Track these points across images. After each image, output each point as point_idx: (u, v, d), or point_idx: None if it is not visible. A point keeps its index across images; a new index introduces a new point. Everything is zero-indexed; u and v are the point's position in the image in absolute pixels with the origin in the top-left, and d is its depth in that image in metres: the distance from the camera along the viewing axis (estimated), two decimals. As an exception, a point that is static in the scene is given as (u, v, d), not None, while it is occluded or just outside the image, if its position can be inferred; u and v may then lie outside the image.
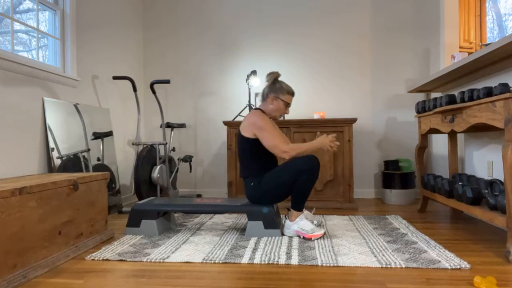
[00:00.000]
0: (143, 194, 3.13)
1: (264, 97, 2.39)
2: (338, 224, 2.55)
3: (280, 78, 3.96)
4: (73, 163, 2.70)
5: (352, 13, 3.86)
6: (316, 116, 3.38)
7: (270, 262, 1.78)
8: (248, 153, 2.32)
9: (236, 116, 3.63)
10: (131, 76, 3.87)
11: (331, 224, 2.57)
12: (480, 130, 2.48)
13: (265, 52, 3.97)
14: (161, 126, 4.11)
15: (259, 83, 3.77)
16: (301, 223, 2.21)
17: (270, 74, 2.39)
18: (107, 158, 3.18)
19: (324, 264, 1.74)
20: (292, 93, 2.38)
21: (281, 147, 2.19)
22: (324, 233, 2.21)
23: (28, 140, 2.40)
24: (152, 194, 3.28)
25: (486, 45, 2.71)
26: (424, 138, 2.95)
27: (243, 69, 4.01)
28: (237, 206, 2.30)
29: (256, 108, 2.41)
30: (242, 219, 2.77)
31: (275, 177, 2.23)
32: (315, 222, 2.44)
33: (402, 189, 3.40)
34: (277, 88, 2.35)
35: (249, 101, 3.62)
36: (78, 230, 1.99)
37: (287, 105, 2.38)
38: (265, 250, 1.97)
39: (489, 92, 1.90)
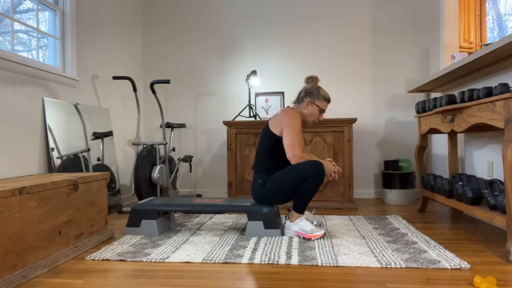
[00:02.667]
0: (143, 194, 3.13)
1: (300, 100, 2.36)
2: (338, 224, 2.55)
3: (279, 76, 3.96)
4: (73, 163, 2.70)
5: (352, 13, 3.86)
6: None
7: (270, 262, 1.78)
8: (268, 149, 2.32)
9: (236, 116, 3.63)
10: (131, 76, 3.87)
11: (331, 224, 2.57)
12: (480, 130, 2.48)
13: (265, 52, 3.97)
14: (161, 126, 4.11)
15: (259, 83, 3.77)
16: (301, 223, 2.21)
17: (310, 78, 2.34)
18: (107, 158, 3.18)
19: (324, 264, 1.74)
20: (328, 100, 2.35)
21: (297, 151, 2.19)
22: (324, 233, 2.21)
23: (28, 140, 2.40)
24: (152, 194, 3.28)
25: (486, 45, 2.71)
26: (424, 138, 2.95)
27: (243, 69, 4.01)
28: (237, 206, 2.30)
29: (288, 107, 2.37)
30: (242, 219, 2.77)
31: (280, 178, 2.23)
32: (315, 222, 2.44)
33: (402, 189, 3.40)
34: (314, 93, 2.32)
35: (249, 101, 3.62)
36: (78, 230, 1.99)
37: (322, 111, 2.35)
38: (265, 250, 1.97)
39: (489, 92, 1.91)
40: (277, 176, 2.25)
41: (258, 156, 2.37)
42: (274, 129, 2.28)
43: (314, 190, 2.20)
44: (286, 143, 2.22)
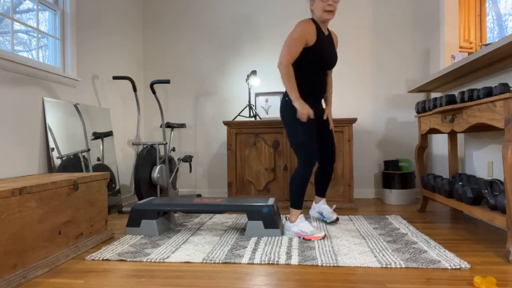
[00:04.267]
0: (143, 194, 3.13)
1: (310, 9, 2.35)
2: (338, 224, 2.55)
3: (279, 76, 3.95)
4: (73, 163, 2.70)
5: (352, 13, 3.86)
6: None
7: (270, 262, 1.78)
8: (295, 66, 2.33)
9: (236, 116, 3.63)
10: (131, 76, 3.87)
11: (331, 224, 2.57)
12: (480, 130, 2.48)
13: (265, 52, 3.97)
14: (161, 126, 4.11)
15: (259, 83, 3.77)
16: (300, 225, 2.21)
17: None
18: (107, 158, 3.18)
19: (324, 264, 1.74)
20: None
21: (285, 58, 2.21)
22: (325, 235, 2.20)
23: (28, 140, 2.39)
24: (152, 194, 3.28)
25: (486, 45, 2.71)
26: (424, 138, 2.95)
27: (243, 69, 4.01)
28: (237, 206, 2.30)
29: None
30: (242, 219, 2.77)
31: (293, 125, 2.27)
32: (334, 206, 2.61)
33: (402, 189, 3.40)
34: None
35: (249, 101, 3.62)
36: (78, 230, 1.99)
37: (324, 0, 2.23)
38: (265, 250, 1.97)
39: (489, 92, 1.91)
40: (296, 120, 2.27)
41: None
42: None
43: (302, 180, 2.23)
44: (280, 54, 2.26)
